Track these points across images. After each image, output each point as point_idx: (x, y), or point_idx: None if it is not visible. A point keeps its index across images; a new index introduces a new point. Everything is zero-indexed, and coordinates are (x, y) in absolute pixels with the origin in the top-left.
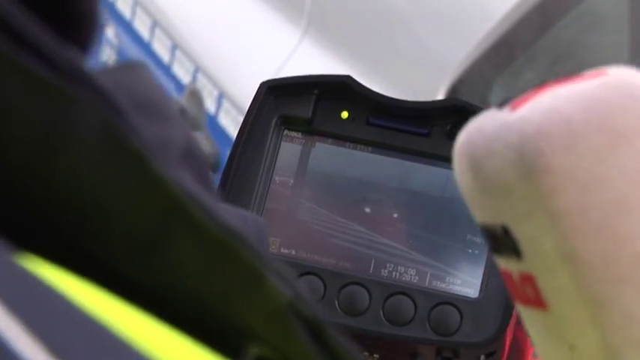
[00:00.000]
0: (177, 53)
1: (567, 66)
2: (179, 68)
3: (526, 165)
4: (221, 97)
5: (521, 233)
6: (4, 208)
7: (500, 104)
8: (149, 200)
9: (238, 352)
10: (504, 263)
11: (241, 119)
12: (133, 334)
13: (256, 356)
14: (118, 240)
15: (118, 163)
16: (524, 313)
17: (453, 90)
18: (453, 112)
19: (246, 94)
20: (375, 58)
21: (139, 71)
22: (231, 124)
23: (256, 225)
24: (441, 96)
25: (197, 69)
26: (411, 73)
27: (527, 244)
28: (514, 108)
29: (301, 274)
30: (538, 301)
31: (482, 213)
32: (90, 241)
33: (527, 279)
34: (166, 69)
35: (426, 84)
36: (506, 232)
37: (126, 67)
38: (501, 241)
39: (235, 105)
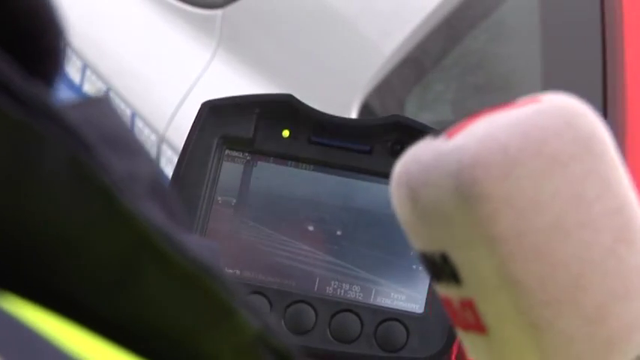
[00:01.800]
0: (88, 73)
1: (477, 76)
2: (90, 88)
3: (463, 193)
4: (134, 115)
5: (461, 259)
6: None
7: (436, 133)
8: (118, 235)
9: None
10: (444, 290)
11: (155, 138)
12: None
13: None
14: (87, 276)
15: (86, 199)
16: (465, 338)
17: (366, 104)
18: (395, 129)
19: (158, 112)
20: (289, 73)
21: (104, 105)
22: (145, 142)
23: (212, 252)
24: (354, 110)
25: (109, 89)
26: (325, 88)
27: (467, 269)
28: (450, 136)
29: (247, 294)
30: (478, 326)
31: (420, 241)
32: (59, 278)
33: (467, 304)
34: (77, 89)
35: (339, 99)
36: (445, 259)
37: (91, 101)
38: (440, 268)
39: (148, 124)
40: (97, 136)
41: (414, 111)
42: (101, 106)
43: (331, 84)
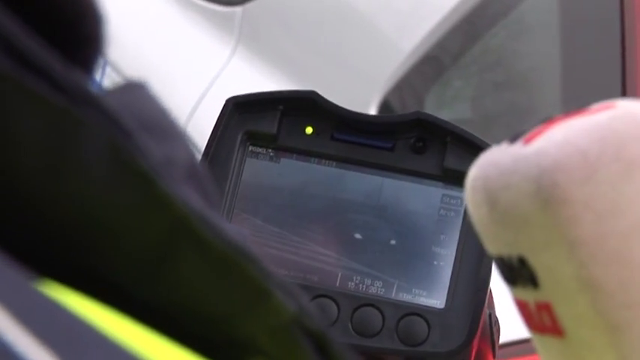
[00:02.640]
0: (108, 70)
1: (497, 73)
2: (110, 85)
3: (544, 197)
4: None
5: (539, 263)
6: (18, 235)
7: (512, 138)
8: (157, 219)
9: None
10: (520, 293)
11: None
12: (145, 351)
13: None
14: (125, 259)
15: (126, 183)
16: (540, 341)
17: (385, 102)
18: (417, 125)
19: (178, 109)
20: (308, 71)
21: (142, 91)
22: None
23: (243, 238)
24: (373, 108)
25: None
26: (345, 85)
27: (545, 273)
28: (527, 141)
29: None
30: (555, 329)
31: (497, 245)
32: (98, 261)
33: (545, 307)
34: (97, 86)
35: (359, 96)
36: (523, 262)
37: (130, 87)
38: (517, 272)
39: None
40: (135, 121)
41: (433, 108)
42: (139, 91)
43: (350, 81)
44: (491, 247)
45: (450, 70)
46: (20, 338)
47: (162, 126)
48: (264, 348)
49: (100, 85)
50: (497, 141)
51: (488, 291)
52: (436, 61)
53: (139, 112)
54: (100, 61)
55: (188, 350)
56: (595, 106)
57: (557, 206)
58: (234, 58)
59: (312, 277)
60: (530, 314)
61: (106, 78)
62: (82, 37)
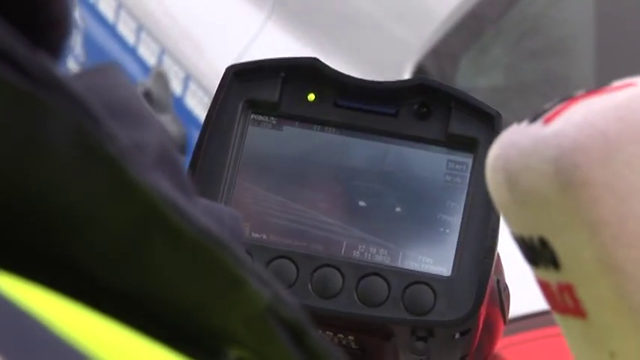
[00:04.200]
0: (143, 35)
1: (535, 41)
2: (145, 50)
3: (564, 178)
4: (187, 78)
5: (560, 244)
6: None
7: (532, 118)
8: (125, 206)
9: (218, 356)
10: (542, 274)
11: (208, 101)
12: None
13: (235, 358)
14: (94, 246)
15: (92, 169)
16: (562, 322)
17: (420, 67)
18: (421, 91)
19: (212, 75)
20: (342, 36)
21: (112, 74)
22: (198, 105)
23: (233, 220)
24: (407, 73)
25: (163, 51)
26: (378, 50)
27: (567, 254)
28: (547, 121)
29: (273, 258)
30: (577, 310)
31: (518, 225)
32: (65, 248)
33: (566, 289)
34: (132, 51)
35: (393, 61)
36: (544, 243)
37: (98, 70)
38: (539, 253)
39: (202, 86)
40: (103, 105)
41: (468, 75)
42: (109, 75)
43: (385, 46)
44: (513, 227)
45: (486, 36)
46: None
47: (132, 111)
48: (240, 337)
49: (67, 69)
50: (532, 109)
51: (495, 257)
52: (472, 27)
53: (108, 96)
54: (68, 44)
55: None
56: (616, 84)
57: (578, 188)
58: (269, 23)
59: (317, 247)
60: (553, 295)
61: (141, 43)
62: (48, 21)
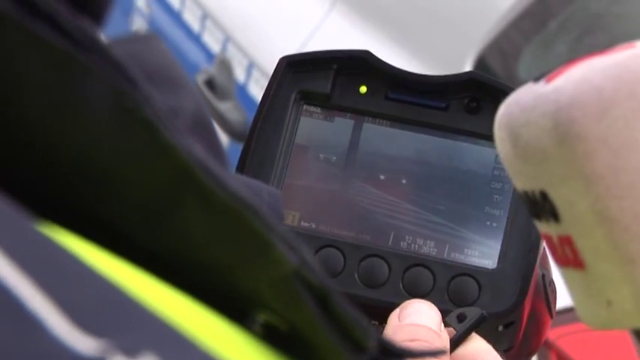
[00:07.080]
0: (208, 23)
1: (598, 37)
2: (209, 37)
3: (561, 132)
4: (251, 66)
5: (559, 197)
6: (21, 177)
7: (537, 78)
8: (159, 168)
9: (246, 319)
10: (544, 227)
11: None
12: (142, 293)
13: (263, 323)
14: (128, 206)
15: (129, 131)
16: (565, 273)
17: (481, 59)
18: (471, 85)
19: (275, 63)
20: (404, 28)
21: (151, 42)
22: (261, 93)
23: (271, 196)
24: (468, 66)
25: (227, 38)
26: (441, 42)
27: (564, 207)
28: (549, 80)
29: (321, 247)
30: (576, 262)
31: (521, 180)
32: (102, 208)
33: (566, 241)
34: (196, 38)
35: (454, 53)
36: (544, 196)
37: (138, 38)
38: (540, 206)
39: (265, 74)
40: (141, 71)
41: (528, 69)
42: (147, 42)
43: (447, 38)
44: (517, 182)
45: (548, 31)
46: (10, 273)
47: (169, 77)
48: (268, 302)
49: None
50: None
51: (541, 252)
52: (534, 20)
53: (146, 62)
54: (110, 12)
55: (184, 295)
56: (618, 46)
57: (574, 141)
58: (333, 12)
59: (364, 237)
60: (555, 248)
61: (206, 31)
62: None
